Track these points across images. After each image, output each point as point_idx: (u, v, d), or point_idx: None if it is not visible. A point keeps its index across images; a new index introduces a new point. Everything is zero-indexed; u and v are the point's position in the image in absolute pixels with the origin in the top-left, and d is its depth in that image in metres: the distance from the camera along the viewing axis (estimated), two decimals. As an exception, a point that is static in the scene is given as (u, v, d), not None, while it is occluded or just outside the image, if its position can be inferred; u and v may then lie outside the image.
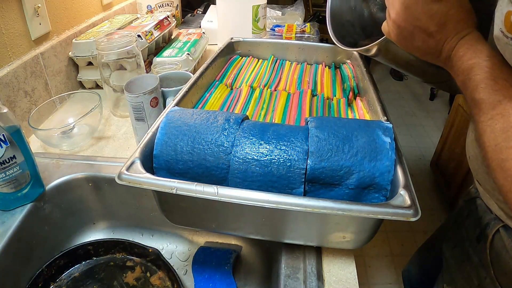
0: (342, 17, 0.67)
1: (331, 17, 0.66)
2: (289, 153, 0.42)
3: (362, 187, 0.42)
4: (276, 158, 0.42)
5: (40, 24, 0.74)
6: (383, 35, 0.47)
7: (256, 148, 0.43)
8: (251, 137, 0.44)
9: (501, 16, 0.32)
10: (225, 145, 0.44)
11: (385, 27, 0.46)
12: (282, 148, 0.43)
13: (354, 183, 0.42)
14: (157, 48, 0.96)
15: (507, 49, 0.33)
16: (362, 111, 0.62)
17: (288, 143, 0.43)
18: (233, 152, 0.43)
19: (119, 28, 0.89)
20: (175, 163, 0.45)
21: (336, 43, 0.63)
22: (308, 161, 0.42)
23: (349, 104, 0.66)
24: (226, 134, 0.44)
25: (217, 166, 0.44)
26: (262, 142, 0.43)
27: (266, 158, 0.42)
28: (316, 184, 0.43)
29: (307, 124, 0.47)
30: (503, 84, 0.33)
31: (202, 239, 0.65)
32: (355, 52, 0.75)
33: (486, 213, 0.49)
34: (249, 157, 0.43)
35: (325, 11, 0.68)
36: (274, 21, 1.26)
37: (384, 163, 0.41)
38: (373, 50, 0.52)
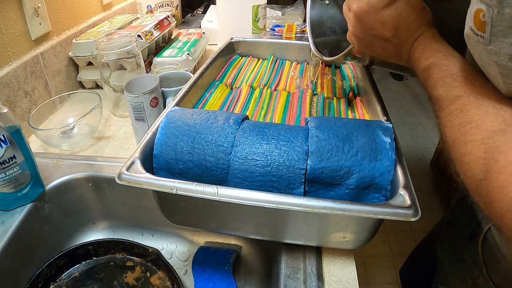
0: (322, 25, 0.69)
1: (312, 28, 0.68)
2: (289, 153, 0.42)
3: (362, 187, 0.42)
4: (276, 158, 0.42)
5: (40, 24, 0.74)
6: None
7: (256, 148, 0.43)
8: (251, 137, 0.44)
9: (470, 14, 0.32)
10: (225, 145, 0.44)
11: (348, 36, 0.48)
12: (282, 148, 0.43)
13: (354, 183, 0.42)
14: (157, 48, 0.96)
15: (477, 48, 0.32)
16: (362, 111, 0.62)
17: (288, 143, 0.43)
18: (233, 152, 0.43)
19: (119, 28, 0.89)
20: (175, 163, 0.45)
21: (315, 53, 0.64)
22: (308, 161, 0.42)
23: (349, 104, 0.66)
24: (226, 134, 0.44)
25: (217, 166, 0.44)
26: (262, 142, 0.43)
27: (266, 158, 0.42)
28: (316, 184, 0.43)
29: (307, 124, 0.47)
30: (462, 81, 0.34)
31: (202, 239, 0.65)
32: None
33: (477, 212, 0.48)
34: (249, 157, 0.43)
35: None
36: (274, 21, 1.26)
37: (384, 163, 0.41)
38: (367, 61, 0.54)
